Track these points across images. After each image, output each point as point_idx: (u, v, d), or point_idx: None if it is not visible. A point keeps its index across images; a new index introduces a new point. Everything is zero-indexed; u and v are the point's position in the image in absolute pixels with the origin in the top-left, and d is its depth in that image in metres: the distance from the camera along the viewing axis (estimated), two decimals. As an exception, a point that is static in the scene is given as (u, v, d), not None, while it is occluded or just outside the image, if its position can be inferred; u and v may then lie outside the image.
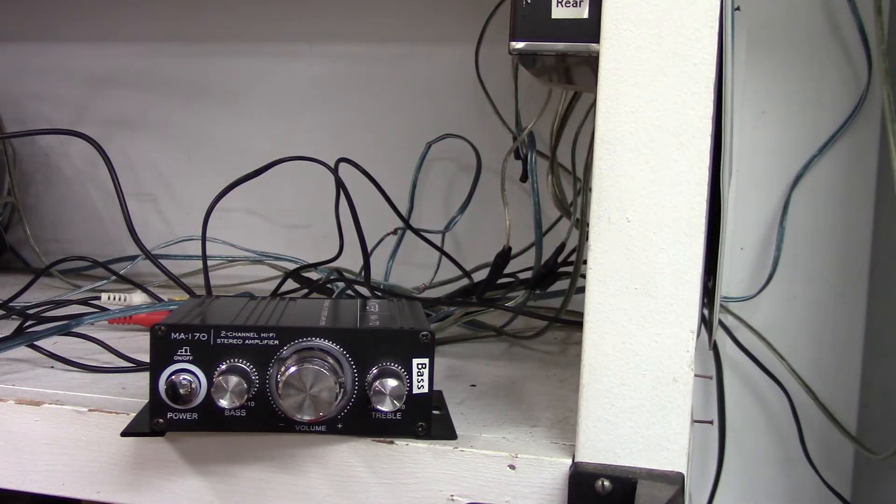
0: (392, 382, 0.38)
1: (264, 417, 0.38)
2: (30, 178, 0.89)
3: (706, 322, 0.57)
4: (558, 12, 0.37)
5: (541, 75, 0.47)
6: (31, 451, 0.43)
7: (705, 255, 0.36)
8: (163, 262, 0.59)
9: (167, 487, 0.42)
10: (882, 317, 0.69)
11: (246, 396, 0.38)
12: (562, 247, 0.63)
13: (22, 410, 0.43)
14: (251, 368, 0.38)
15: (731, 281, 0.73)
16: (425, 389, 0.39)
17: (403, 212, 0.71)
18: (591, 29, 0.36)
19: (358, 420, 0.39)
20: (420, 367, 0.38)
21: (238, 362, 0.38)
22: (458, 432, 0.40)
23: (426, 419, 0.39)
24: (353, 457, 0.39)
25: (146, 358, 0.46)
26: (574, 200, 0.65)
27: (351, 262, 0.64)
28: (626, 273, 0.36)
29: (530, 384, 0.51)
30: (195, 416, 0.38)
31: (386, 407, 0.38)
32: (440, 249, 0.72)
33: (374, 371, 0.38)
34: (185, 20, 0.83)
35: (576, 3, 0.37)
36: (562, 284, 0.64)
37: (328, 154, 0.61)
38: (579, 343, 0.37)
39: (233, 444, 0.41)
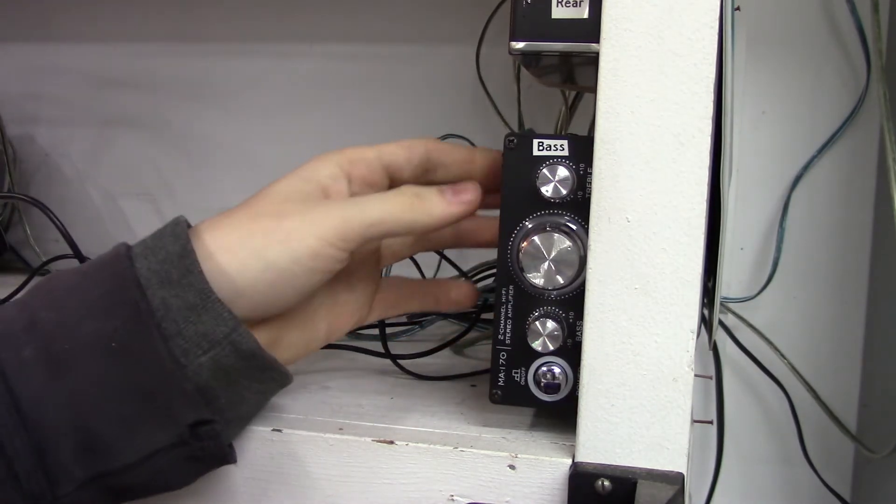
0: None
1: None
2: (30, 177, 0.89)
3: (706, 322, 0.57)
4: (558, 12, 0.37)
5: (542, 76, 0.47)
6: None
7: (705, 255, 0.36)
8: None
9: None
10: (882, 317, 0.68)
11: None
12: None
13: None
14: None
15: (731, 281, 0.73)
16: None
17: (403, 212, 0.71)
18: (591, 29, 0.36)
19: None
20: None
21: None
22: (457, 432, 0.40)
23: None
24: (354, 457, 0.39)
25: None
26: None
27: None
28: (626, 273, 0.36)
29: (530, 384, 0.51)
30: None
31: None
32: (440, 253, 0.72)
33: None
34: (185, 20, 0.83)
35: (576, 2, 0.37)
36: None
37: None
38: (579, 343, 0.37)
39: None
